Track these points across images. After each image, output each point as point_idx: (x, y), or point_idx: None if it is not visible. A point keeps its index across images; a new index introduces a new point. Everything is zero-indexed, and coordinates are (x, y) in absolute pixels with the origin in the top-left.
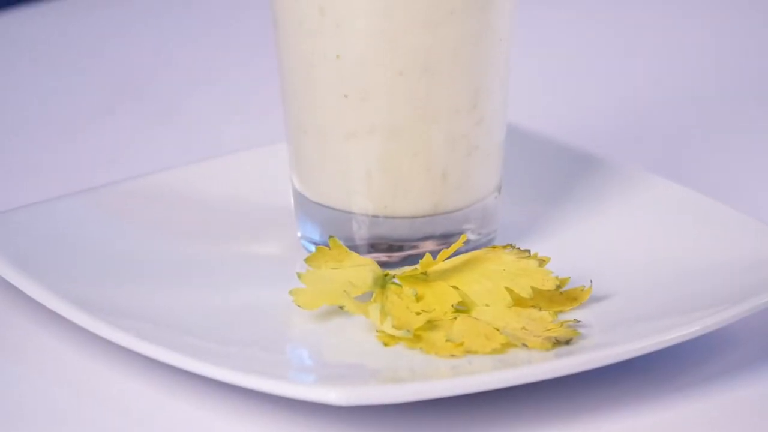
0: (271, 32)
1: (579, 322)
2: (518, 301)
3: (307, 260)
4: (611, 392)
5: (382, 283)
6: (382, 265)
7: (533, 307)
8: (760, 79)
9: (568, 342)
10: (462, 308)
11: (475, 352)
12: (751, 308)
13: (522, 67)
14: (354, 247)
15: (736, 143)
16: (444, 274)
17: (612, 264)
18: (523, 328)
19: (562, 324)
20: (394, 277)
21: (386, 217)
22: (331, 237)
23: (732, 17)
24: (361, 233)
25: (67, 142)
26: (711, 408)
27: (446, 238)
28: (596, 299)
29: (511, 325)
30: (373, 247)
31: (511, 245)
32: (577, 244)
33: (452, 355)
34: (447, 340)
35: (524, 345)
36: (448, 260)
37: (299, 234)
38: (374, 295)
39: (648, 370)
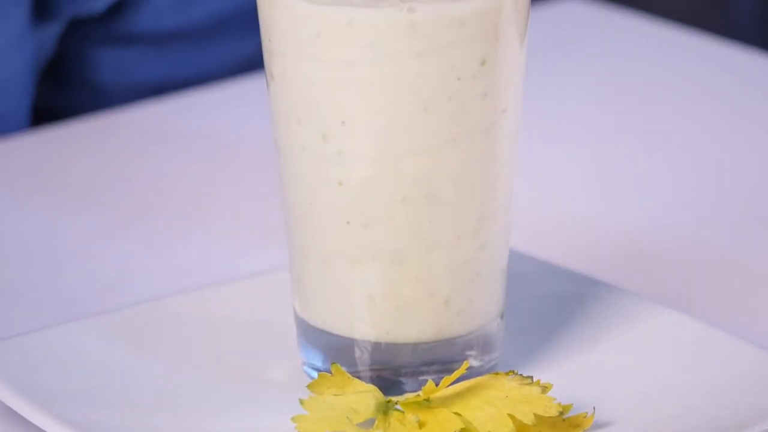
0: (274, 158)
1: None
2: (521, 428)
3: (309, 386)
4: None
5: (385, 409)
6: (385, 391)
7: None
8: (766, 205)
9: None
10: None
11: None
12: None
13: (524, 191)
14: (356, 374)
15: (739, 270)
16: (446, 401)
17: (615, 391)
18: None
19: None
20: (396, 403)
21: (388, 344)
22: (333, 363)
23: (738, 143)
24: (364, 359)
25: (70, 268)
26: None
27: (449, 365)
28: (599, 426)
29: None
30: (376, 372)
31: (513, 372)
32: (580, 371)
33: None
34: None
35: None
36: (450, 387)
37: (301, 360)
38: (377, 422)
39: None
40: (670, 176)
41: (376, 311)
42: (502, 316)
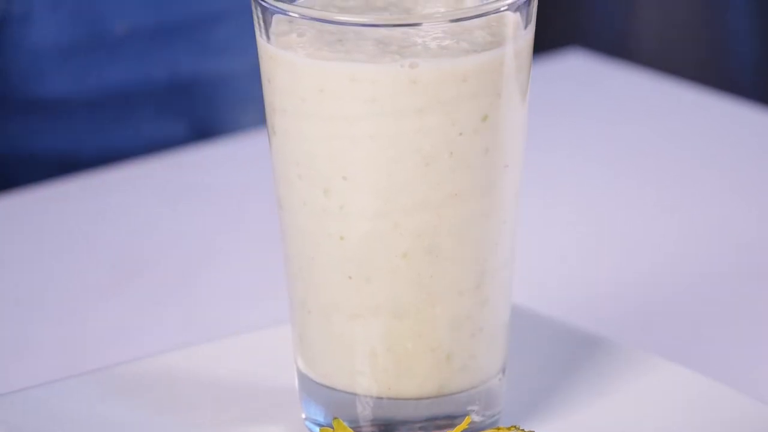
0: (276, 212)
1: None
2: None
3: None
4: None
5: None
6: None
7: None
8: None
9: None
10: None
11: None
12: None
13: (526, 246)
14: (358, 429)
15: (742, 324)
16: None
17: None
18: None
19: None
20: None
21: (390, 399)
22: (335, 418)
23: (738, 197)
24: (365, 414)
25: (69, 323)
26: None
27: (451, 420)
28: None
29: None
30: (378, 428)
31: (515, 427)
32: (583, 425)
33: None
34: None
35: None
36: None
37: (303, 415)
38: None
39: None
40: (671, 230)
41: (377, 366)
42: (504, 371)
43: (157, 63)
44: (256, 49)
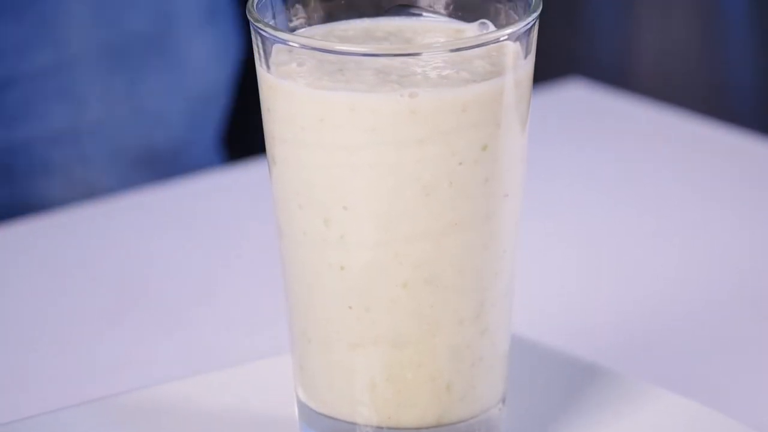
0: (276, 242)
1: None
2: None
3: None
4: None
5: None
6: None
7: None
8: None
9: None
10: None
11: None
12: None
13: (526, 275)
14: None
15: (741, 353)
16: None
17: None
18: None
19: None
20: None
21: (390, 428)
22: None
23: (737, 227)
24: None
25: (70, 353)
26: None
27: None
28: None
29: None
30: None
31: None
32: None
33: None
34: None
35: None
36: None
37: None
38: None
39: None
40: (671, 260)
41: (377, 396)
42: (504, 401)
43: None
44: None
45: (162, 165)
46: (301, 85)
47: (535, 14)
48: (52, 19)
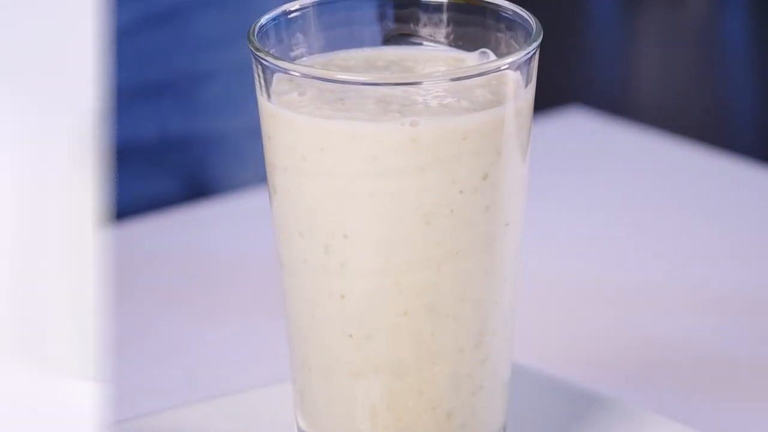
0: (276, 270)
1: None
2: None
3: None
4: None
5: None
6: None
7: None
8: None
9: None
10: None
11: None
12: None
13: (526, 303)
14: None
15: (742, 382)
16: None
17: None
18: None
19: None
20: None
21: None
22: None
23: (737, 254)
24: None
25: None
26: None
27: None
28: None
29: None
30: None
31: None
32: None
33: None
34: None
35: None
36: None
37: None
38: None
39: None
40: (672, 288)
41: (378, 424)
42: (504, 429)
43: (146, 121)
44: (249, 108)
45: None
46: (301, 114)
47: (536, 43)
48: (257, 10)
